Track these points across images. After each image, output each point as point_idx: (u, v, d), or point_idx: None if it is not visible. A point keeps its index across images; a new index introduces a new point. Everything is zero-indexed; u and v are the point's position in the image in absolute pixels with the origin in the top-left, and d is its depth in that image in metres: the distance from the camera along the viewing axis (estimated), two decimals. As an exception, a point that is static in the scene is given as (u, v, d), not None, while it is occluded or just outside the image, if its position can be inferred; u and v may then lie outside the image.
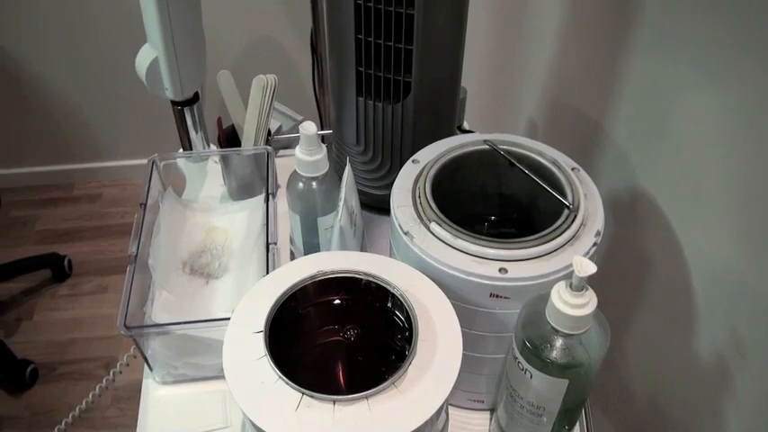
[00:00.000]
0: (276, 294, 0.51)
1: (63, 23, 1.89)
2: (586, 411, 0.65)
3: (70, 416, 1.12)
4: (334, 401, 0.44)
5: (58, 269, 1.96)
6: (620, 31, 0.71)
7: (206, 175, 0.91)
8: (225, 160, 0.85)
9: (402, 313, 0.52)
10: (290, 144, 0.96)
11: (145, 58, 0.82)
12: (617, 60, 0.72)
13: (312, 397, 0.45)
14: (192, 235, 0.79)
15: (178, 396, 0.69)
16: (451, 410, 0.63)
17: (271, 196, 0.75)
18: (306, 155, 0.64)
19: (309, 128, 0.63)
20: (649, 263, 0.72)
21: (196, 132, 0.88)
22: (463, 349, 0.49)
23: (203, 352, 0.66)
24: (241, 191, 0.86)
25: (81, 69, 1.99)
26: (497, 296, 0.53)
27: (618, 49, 0.72)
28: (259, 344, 0.48)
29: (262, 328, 0.49)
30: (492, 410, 0.66)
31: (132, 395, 1.64)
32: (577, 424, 0.65)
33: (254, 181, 0.85)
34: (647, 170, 0.70)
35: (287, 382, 0.45)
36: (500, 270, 0.52)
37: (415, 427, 0.43)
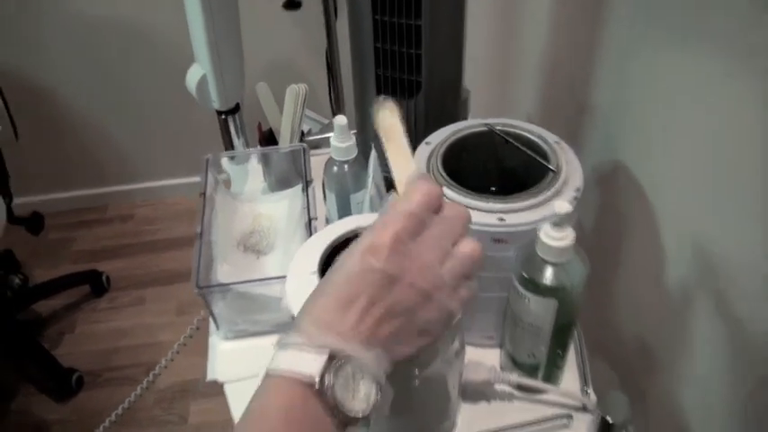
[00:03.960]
0: (325, 244, 0.65)
1: (93, 52, 1.99)
2: (581, 349, 0.78)
3: (114, 414, 1.24)
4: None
5: (96, 284, 2.05)
6: (601, 27, 0.83)
7: (247, 174, 1.06)
8: (265, 158, 1.00)
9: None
10: (319, 145, 1.11)
11: (194, 76, 0.97)
12: (599, 53, 0.86)
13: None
14: (243, 221, 0.93)
15: (239, 349, 0.82)
16: (468, 348, 0.76)
17: (308, 184, 0.89)
18: (339, 142, 0.78)
19: (341, 120, 0.78)
20: (630, 228, 0.85)
21: (238, 138, 1.03)
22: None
23: (260, 309, 0.80)
24: (279, 184, 1.00)
25: (110, 96, 2.09)
26: (498, 240, 0.67)
27: (597, 45, 0.85)
28: (314, 281, 0.62)
29: (316, 269, 0.63)
30: (501, 347, 0.79)
31: (174, 396, 1.74)
32: (577, 368, 0.78)
33: (290, 175, 0.99)
34: (626, 144, 0.83)
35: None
36: (499, 219, 0.66)
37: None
